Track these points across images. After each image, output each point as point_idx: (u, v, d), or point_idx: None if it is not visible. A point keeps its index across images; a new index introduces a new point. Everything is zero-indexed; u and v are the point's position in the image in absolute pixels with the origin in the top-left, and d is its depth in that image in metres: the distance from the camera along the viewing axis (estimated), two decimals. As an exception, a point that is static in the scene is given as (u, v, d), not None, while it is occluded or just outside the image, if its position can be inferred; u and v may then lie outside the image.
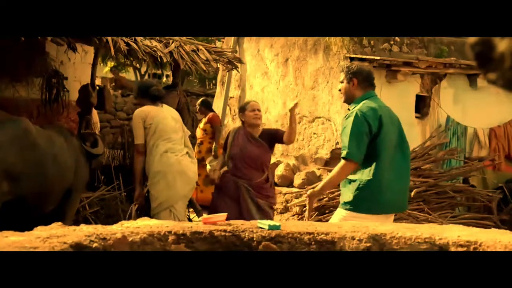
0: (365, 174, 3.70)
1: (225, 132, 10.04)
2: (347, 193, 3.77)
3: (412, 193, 6.46)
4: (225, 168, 5.28)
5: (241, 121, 5.28)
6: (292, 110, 4.76)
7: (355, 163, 3.66)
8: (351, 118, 3.71)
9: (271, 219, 4.70)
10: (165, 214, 5.01)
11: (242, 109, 5.20)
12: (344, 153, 3.66)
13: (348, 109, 3.92)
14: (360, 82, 3.87)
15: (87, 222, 5.41)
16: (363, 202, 3.67)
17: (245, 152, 5.04)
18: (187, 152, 5.34)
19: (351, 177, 3.77)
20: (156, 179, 5.15)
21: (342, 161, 3.69)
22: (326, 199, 6.81)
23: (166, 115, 5.26)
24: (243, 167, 5.05)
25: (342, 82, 3.96)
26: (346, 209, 3.74)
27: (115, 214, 5.76)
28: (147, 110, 5.22)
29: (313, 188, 3.96)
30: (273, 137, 5.14)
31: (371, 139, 3.70)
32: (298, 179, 8.16)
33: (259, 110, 5.14)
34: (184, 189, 5.22)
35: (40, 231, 1.93)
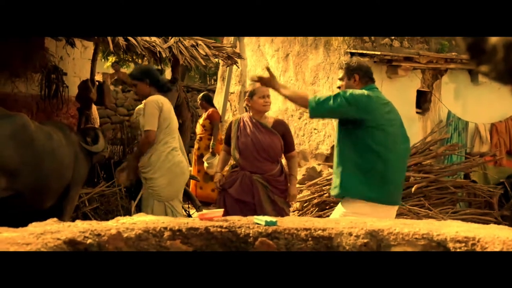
0: (368, 164, 3.68)
1: (225, 128, 10.04)
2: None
3: (413, 189, 6.44)
4: (228, 166, 4.94)
5: (246, 107, 4.82)
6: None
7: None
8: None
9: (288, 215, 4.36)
10: (161, 208, 4.87)
11: (251, 94, 4.68)
12: (313, 100, 3.65)
13: None
14: (361, 78, 3.88)
15: (87, 218, 5.40)
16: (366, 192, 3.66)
17: (256, 142, 4.58)
18: (180, 150, 5.12)
19: (353, 171, 3.74)
20: (158, 174, 4.87)
21: (306, 97, 3.69)
22: (327, 194, 6.80)
23: (173, 113, 5.01)
24: (255, 159, 4.58)
25: (341, 79, 3.95)
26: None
27: (114, 210, 5.77)
28: (163, 101, 4.87)
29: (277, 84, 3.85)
30: (283, 138, 4.72)
31: (373, 126, 3.68)
32: (298, 175, 8.14)
33: (268, 97, 4.69)
34: (182, 188, 5.07)
35: (34, 227, 1.91)
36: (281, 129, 4.74)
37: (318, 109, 3.64)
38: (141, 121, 4.89)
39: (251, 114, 4.74)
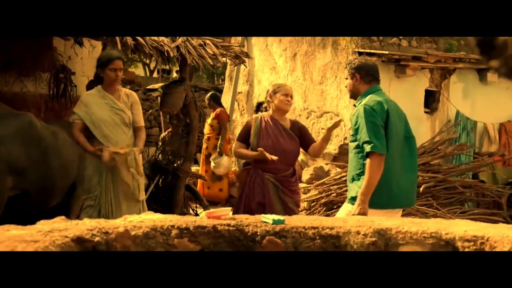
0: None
1: (233, 127, 10.03)
2: (354, 188, 3.75)
3: (421, 189, 6.42)
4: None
5: (267, 104, 4.75)
6: (330, 130, 4.39)
7: (382, 154, 3.60)
8: (361, 114, 3.68)
9: None
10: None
11: (274, 91, 4.60)
12: (368, 147, 3.58)
13: (354, 105, 3.92)
14: (363, 77, 3.87)
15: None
16: (369, 197, 3.64)
17: (277, 144, 4.50)
18: None
19: (358, 172, 3.75)
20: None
21: (368, 159, 3.61)
22: (334, 194, 6.79)
23: None
24: (271, 161, 4.42)
25: (346, 78, 3.98)
26: (353, 204, 3.72)
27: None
28: None
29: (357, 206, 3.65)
30: (303, 137, 4.63)
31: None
32: (306, 174, 8.14)
33: (291, 97, 4.63)
34: None
35: (42, 225, 1.92)
36: (298, 131, 4.64)
37: (377, 145, 3.59)
38: (129, 117, 4.93)
39: (271, 113, 4.65)
